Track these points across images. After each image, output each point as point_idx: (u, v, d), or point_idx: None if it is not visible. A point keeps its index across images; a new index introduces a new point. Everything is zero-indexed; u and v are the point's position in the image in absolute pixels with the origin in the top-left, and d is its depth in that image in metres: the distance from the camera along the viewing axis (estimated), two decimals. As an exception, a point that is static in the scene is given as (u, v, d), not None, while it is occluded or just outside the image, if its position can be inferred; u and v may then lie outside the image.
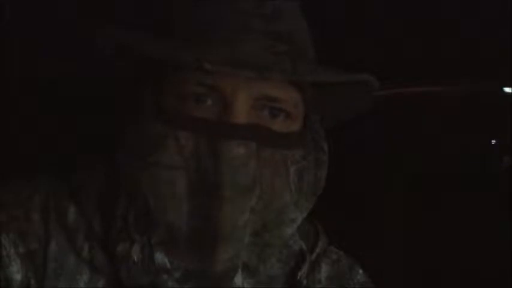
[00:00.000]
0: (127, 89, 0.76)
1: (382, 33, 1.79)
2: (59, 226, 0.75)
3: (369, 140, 2.09)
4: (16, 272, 0.73)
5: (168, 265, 0.70)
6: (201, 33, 0.70)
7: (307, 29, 0.76)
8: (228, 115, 0.69)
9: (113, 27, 0.70)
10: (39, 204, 0.75)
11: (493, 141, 2.25)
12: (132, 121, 0.73)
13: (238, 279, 0.71)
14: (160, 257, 0.70)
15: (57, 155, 1.28)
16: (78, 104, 1.34)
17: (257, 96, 0.70)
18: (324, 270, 0.81)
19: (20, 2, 1.32)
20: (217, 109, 0.70)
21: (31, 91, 1.38)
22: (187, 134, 0.69)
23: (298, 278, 0.77)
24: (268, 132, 0.70)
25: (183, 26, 0.72)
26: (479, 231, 2.02)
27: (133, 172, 0.71)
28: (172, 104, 0.71)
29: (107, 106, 0.84)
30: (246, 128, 0.69)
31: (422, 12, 1.79)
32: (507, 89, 2.17)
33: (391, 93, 2.05)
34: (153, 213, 0.70)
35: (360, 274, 0.83)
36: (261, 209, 0.70)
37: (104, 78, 0.78)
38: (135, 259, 0.71)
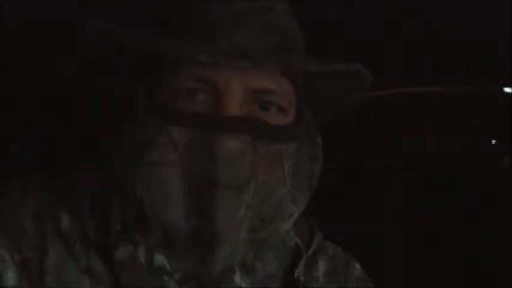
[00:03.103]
0: (119, 86, 0.75)
1: (382, 34, 1.79)
2: (54, 234, 0.72)
3: (369, 140, 2.09)
4: (10, 279, 0.70)
5: (168, 267, 0.70)
6: (196, 27, 0.70)
7: (299, 24, 0.75)
8: (221, 108, 0.68)
9: (109, 22, 0.70)
10: (31, 209, 0.73)
11: (493, 141, 2.25)
12: (125, 119, 0.72)
13: (237, 278, 0.71)
14: (160, 259, 0.70)
15: (47, 155, 1.26)
16: (69, 104, 1.32)
17: (250, 88, 0.69)
18: (321, 267, 0.79)
19: (20, 2, 1.31)
20: (210, 103, 0.69)
21: (22, 91, 1.36)
22: (180, 129, 0.68)
23: (296, 276, 0.77)
24: (262, 125, 0.69)
25: (179, 22, 0.72)
26: (479, 231, 2.02)
27: (127, 172, 0.70)
28: (165, 100, 0.70)
29: (99, 105, 0.83)
30: (239, 121, 0.67)
31: (422, 13, 1.79)
32: (507, 89, 2.17)
33: (391, 93, 2.05)
34: (149, 214, 0.69)
35: (357, 269, 0.82)
36: (256, 205, 0.69)
37: (96, 77, 0.77)
38: (143, 262, 0.69)
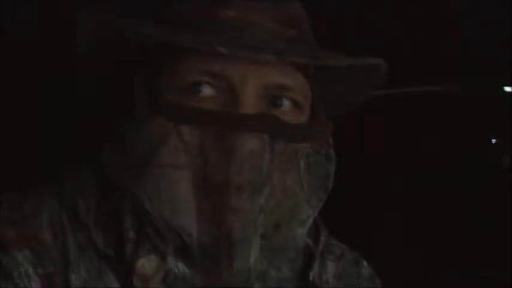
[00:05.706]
0: (117, 82, 0.70)
1: (382, 33, 1.79)
2: (77, 249, 0.67)
3: (368, 140, 2.09)
4: None
5: (188, 275, 0.65)
6: (207, 21, 0.65)
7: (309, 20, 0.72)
8: (236, 105, 0.63)
9: (112, 14, 0.65)
10: (47, 222, 0.67)
11: (493, 141, 2.25)
12: (125, 118, 0.67)
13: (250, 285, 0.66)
14: (182, 268, 0.65)
15: (45, 161, 1.19)
16: (65, 105, 1.28)
17: (266, 84, 0.64)
18: (330, 269, 0.75)
19: (19, 1, 1.31)
20: (222, 99, 0.63)
21: (13, 92, 1.32)
22: (191, 128, 0.62)
23: (311, 279, 0.72)
24: (280, 124, 0.64)
25: (191, 15, 0.66)
26: (479, 231, 2.02)
27: (131, 178, 0.64)
28: (169, 95, 0.64)
29: (95, 104, 0.77)
30: (258, 119, 0.62)
31: (422, 12, 1.79)
32: (507, 89, 2.17)
33: (391, 93, 2.05)
34: (159, 221, 0.63)
35: (365, 268, 0.78)
36: (271, 209, 0.64)
37: (93, 71, 0.71)
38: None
